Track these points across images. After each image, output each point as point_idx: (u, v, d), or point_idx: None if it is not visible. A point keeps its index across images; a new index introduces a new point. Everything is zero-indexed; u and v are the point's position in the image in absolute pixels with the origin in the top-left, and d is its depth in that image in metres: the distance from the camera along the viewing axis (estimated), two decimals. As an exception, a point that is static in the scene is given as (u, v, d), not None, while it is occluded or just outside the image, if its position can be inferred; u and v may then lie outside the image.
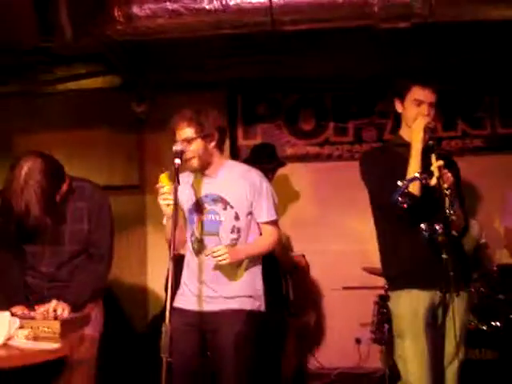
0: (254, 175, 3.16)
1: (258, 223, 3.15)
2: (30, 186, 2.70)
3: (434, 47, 4.63)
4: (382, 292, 4.33)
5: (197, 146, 3.03)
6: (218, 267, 3.04)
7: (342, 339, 5.22)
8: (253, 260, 3.14)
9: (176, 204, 2.79)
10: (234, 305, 3.06)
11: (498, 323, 4.02)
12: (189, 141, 3.01)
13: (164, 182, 2.88)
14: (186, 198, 3.13)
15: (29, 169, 2.73)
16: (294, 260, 4.90)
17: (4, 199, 2.77)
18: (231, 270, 3.07)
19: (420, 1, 3.26)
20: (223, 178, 3.13)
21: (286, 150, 5.55)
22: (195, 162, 3.06)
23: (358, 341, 5.19)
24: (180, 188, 2.83)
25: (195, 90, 5.06)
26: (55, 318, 2.73)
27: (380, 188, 2.92)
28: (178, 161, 2.87)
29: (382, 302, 4.37)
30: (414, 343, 2.89)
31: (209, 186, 3.12)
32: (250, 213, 3.11)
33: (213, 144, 3.10)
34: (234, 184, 3.11)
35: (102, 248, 3.07)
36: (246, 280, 3.12)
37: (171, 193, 2.81)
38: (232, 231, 3.07)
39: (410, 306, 2.92)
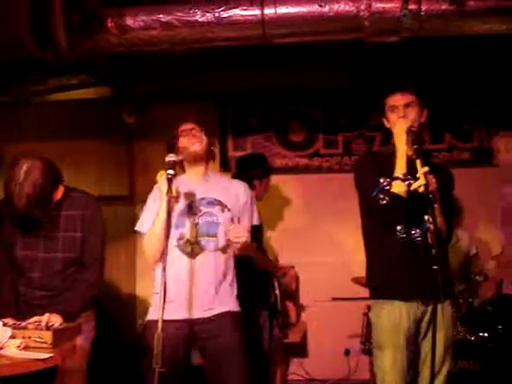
0: (240, 183, 3.35)
1: None
2: (30, 181, 2.83)
3: (423, 61, 4.69)
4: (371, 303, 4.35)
5: (202, 137, 3.19)
6: (214, 268, 3.07)
7: (331, 350, 5.23)
8: (232, 264, 3.20)
9: (170, 214, 2.82)
10: (225, 307, 3.10)
11: (485, 334, 4.06)
12: (196, 133, 3.19)
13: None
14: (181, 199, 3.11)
15: (28, 167, 2.85)
16: (278, 268, 4.87)
17: (6, 194, 2.91)
18: (224, 271, 3.12)
19: (410, 15, 3.32)
20: (215, 183, 3.24)
21: (275, 161, 5.57)
22: (198, 146, 3.17)
23: (347, 352, 5.20)
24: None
25: (186, 102, 5.09)
26: (47, 328, 2.72)
27: (367, 189, 2.90)
28: (171, 171, 2.90)
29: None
30: (392, 355, 2.89)
31: (202, 190, 3.17)
32: (238, 218, 3.21)
33: (211, 147, 3.28)
34: (227, 189, 3.23)
35: (94, 257, 3.09)
36: (233, 282, 3.18)
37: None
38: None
39: (391, 317, 2.91)
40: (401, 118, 2.93)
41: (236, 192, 3.25)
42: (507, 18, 3.33)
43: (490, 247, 5.20)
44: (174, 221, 3.03)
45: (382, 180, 2.75)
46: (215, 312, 3.08)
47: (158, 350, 2.52)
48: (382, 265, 3.00)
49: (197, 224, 3.11)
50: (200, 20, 3.41)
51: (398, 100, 3.00)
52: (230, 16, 3.39)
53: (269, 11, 3.38)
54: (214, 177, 3.30)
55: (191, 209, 3.12)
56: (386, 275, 2.97)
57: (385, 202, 2.75)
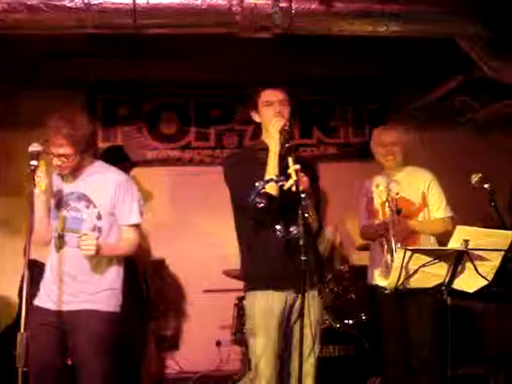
0: (123, 178, 3.21)
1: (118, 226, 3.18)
2: None
3: (294, 57, 4.81)
4: (242, 294, 4.41)
5: (73, 159, 3.03)
6: (78, 263, 3.03)
7: (202, 342, 5.25)
8: (114, 259, 3.14)
9: (33, 211, 2.80)
10: (91, 304, 3.06)
11: (350, 321, 4.25)
12: (66, 156, 3.00)
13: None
14: (54, 194, 3.09)
15: None
16: (153, 263, 4.88)
17: None
18: (91, 266, 3.07)
19: (280, 13, 3.39)
20: (90, 177, 3.14)
21: (146, 153, 5.52)
22: (67, 171, 3.08)
23: (218, 343, 5.25)
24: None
25: (54, 89, 4.90)
26: None
27: (240, 190, 2.96)
28: (34, 162, 2.83)
29: (242, 303, 4.46)
30: (265, 341, 2.96)
31: (75, 184, 3.11)
32: (113, 214, 3.13)
33: (85, 153, 3.11)
34: (100, 184, 3.13)
35: None
36: (105, 278, 3.12)
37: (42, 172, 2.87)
38: (93, 230, 3.08)
39: (265, 305, 2.98)
40: (276, 118, 2.97)
41: (111, 187, 3.12)
42: (372, 20, 3.49)
43: (355, 238, 5.44)
44: (52, 211, 3.07)
45: (257, 184, 2.80)
46: (74, 308, 3.03)
47: (22, 351, 2.44)
48: (256, 257, 3.05)
49: (64, 218, 3.06)
50: (68, 5, 3.28)
51: (275, 96, 3.04)
52: (100, 3, 3.29)
53: (141, 0, 3.31)
54: (91, 169, 3.16)
55: (61, 202, 3.07)
56: (260, 266, 3.02)
57: (262, 205, 2.80)
